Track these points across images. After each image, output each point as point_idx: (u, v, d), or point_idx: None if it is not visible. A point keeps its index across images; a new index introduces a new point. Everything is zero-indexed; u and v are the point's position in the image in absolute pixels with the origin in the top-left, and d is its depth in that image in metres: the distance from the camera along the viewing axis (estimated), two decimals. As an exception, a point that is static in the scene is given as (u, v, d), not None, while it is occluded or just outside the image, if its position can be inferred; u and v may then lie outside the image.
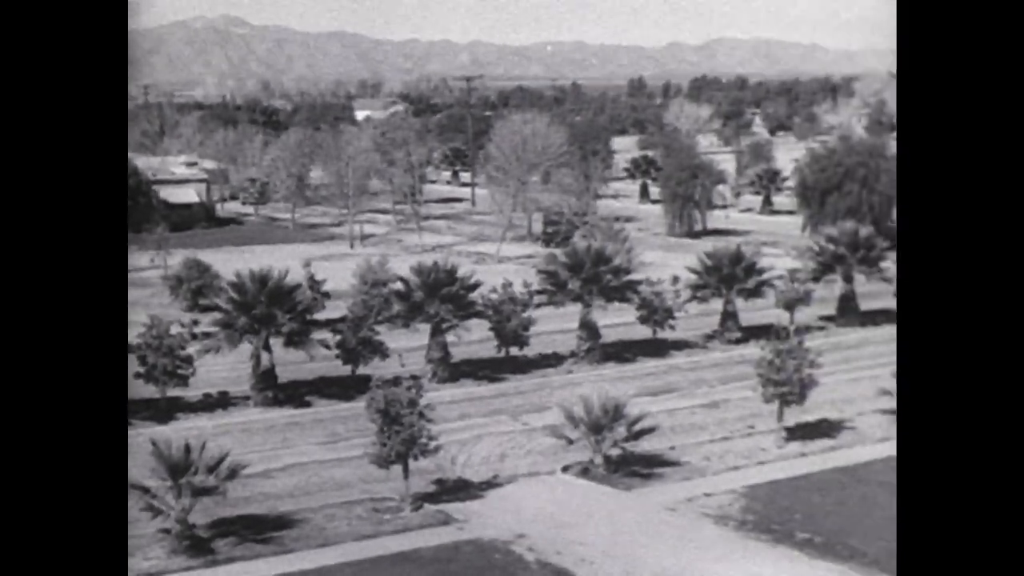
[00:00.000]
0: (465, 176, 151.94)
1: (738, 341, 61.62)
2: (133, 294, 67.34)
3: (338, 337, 54.42)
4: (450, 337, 55.30)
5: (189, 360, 50.50)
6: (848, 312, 66.96)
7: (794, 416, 45.63)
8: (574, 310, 59.54)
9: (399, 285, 56.82)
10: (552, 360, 59.29)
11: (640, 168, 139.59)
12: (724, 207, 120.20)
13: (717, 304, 63.48)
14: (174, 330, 51.60)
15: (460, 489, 40.44)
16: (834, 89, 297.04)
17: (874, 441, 44.41)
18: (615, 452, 41.43)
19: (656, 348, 61.21)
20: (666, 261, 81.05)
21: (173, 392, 50.92)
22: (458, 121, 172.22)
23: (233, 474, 35.73)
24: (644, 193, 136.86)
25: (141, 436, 38.53)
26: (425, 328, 55.33)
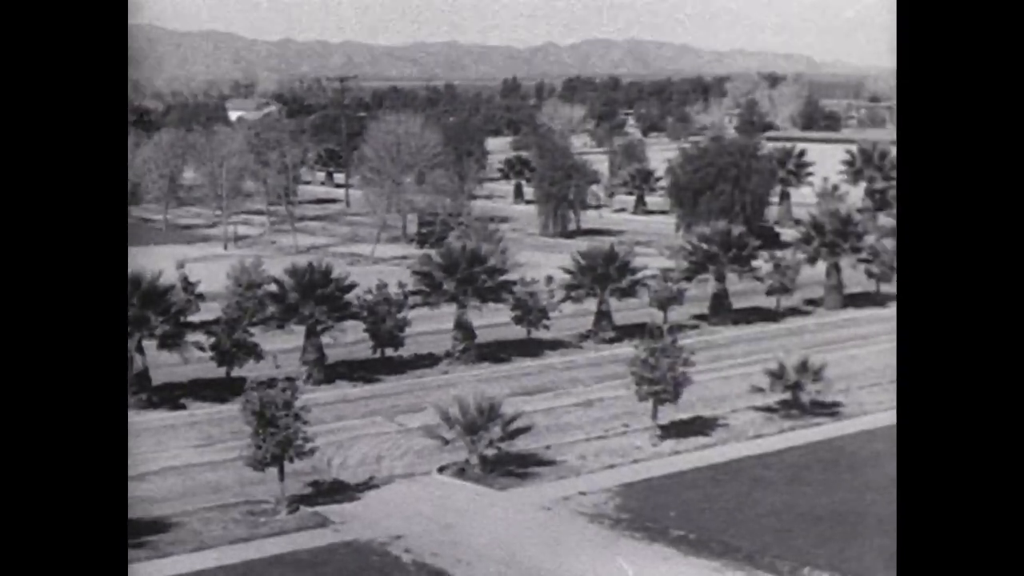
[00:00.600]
0: (339, 177, 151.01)
1: (612, 340, 62.06)
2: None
3: (212, 339, 53.84)
4: (325, 339, 55.02)
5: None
6: (720, 310, 67.79)
7: (668, 414, 46.11)
8: (449, 311, 59.55)
9: (273, 287, 56.39)
10: (427, 361, 59.24)
11: (514, 169, 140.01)
12: (598, 207, 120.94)
13: (591, 304, 63.88)
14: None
15: (336, 491, 40.24)
16: (706, 90, 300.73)
17: (747, 438, 45.04)
18: (491, 452, 41.51)
19: (531, 348, 61.44)
20: (540, 261, 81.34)
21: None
22: (332, 122, 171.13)
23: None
24: (518, 193, 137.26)
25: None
26: (300, 330, 54.98)
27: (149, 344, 51.06)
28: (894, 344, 52.53)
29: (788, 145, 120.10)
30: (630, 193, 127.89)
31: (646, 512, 37.39)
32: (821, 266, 72.60)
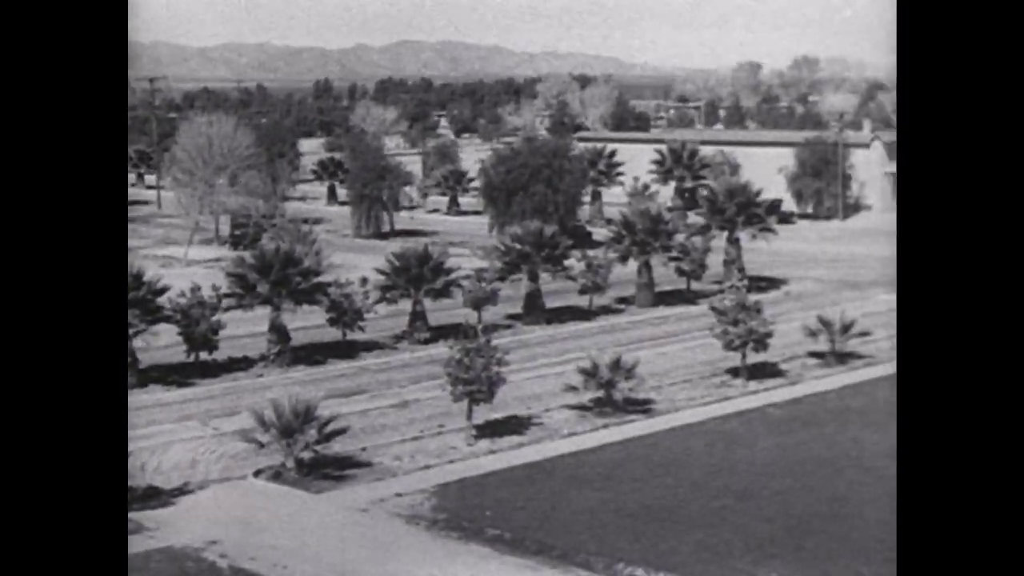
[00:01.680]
0: (150, 179, 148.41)
1: (427, 341, 62.17)
2: None
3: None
4: (138, 342, 54.04)
5: None
6: (534, 310, 68.39)
7: (483, 414, 46.38)
8: (263, 313, 59.01)
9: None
10: (242, 364, 58.62)
11: (327, 170, 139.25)
12: (411, 208, 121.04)
13: (406, 305, 63.90)
14: None
15: (150, 496, 39.58)
16: (517, 91, 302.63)
17: (561, 436, 45.52)
18: (307, 455, 41.27)
19: (346, 350, 61.22)
20: (355, 263, 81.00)
21: None
22: (142, 123, 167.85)
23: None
24: (332, 195, 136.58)
25: None
26: (109, 335, 53.85)
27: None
28: (705, 340, 53.75)
29: (599, 145, 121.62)
30: (443, 194, 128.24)
31: (462, 512, 37.56)
32: (632, 264, 73.72)
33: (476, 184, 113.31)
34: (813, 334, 56.30)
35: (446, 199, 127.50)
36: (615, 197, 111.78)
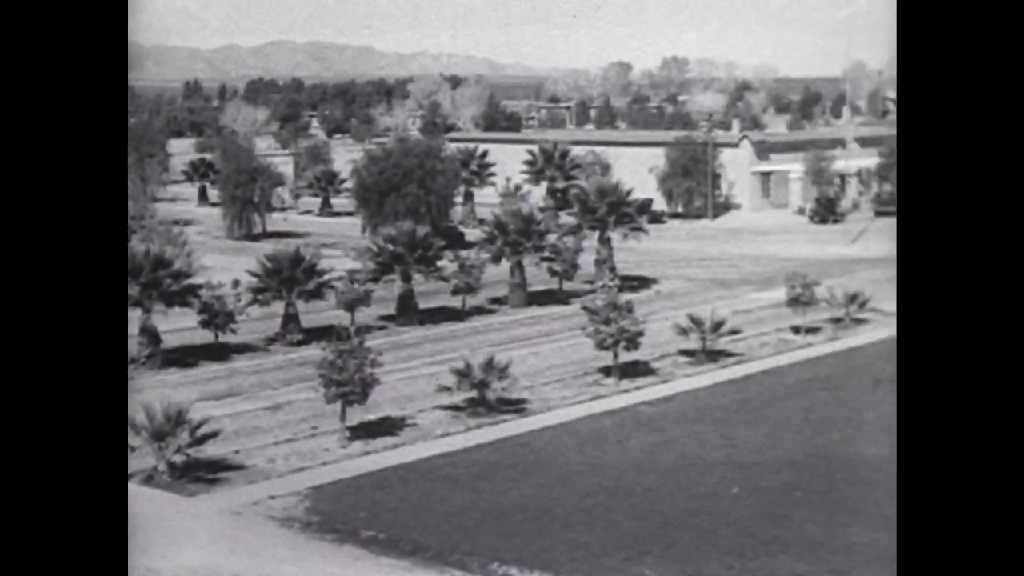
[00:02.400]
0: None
1: (300, 343, 61.84)
2: None
3: None
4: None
5: None
6: (407, 311, 68.34)
7: (356, 415, 46.29)
8: (134, 316, 58.22)
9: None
10: (111, 368, 57.76)
11: (198, 171, 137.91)
12: (283, 209, 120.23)
13: (278, 307, 63.52)
14: None
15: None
16: (389, 92, 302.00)
17: (435, 437, 45.58)
18: (179, 458, 40.86)
19: (218, 352, 60.66)
20: (226, 264, 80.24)
21: None
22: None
23: None
24: (203, 196, 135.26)
25: None
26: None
27: None
28: (578, 340, 54.13)
29: (471, 146, 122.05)
30: (316, 195, 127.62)
31: (336, 514, 37.47)
32: (505, 265, 74.03)
33: (348, 185, 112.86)
34: (684, 332, 57.00)
35: (318, 200, 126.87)
36: (487, 198, 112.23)
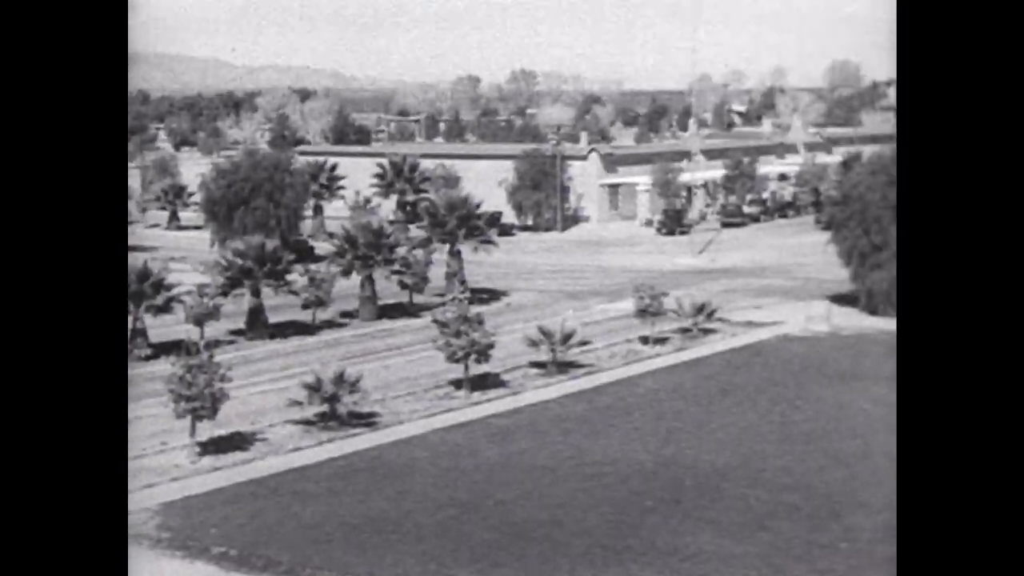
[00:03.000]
0: None
1: (148, 358, 60.99)
2: None
3: None
4: None
5: None
6: (257, 325, 67.83)
7: (206, 430, 45.83)
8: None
9: None
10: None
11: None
12: (130, 223, 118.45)
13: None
14: None
15: None
16: (237, 104, 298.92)
17: (286, 451, 45.31)
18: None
19: (63, 369, 59.47)
20: (71, 280, 78.67)
21: None
22: None
23: None
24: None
25: None
26: None
27: None
28: (428, 353, 54.08)
29: (320, 159, 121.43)
30: (163, 208, 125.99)
31: (187, 530, 37.06)
32: (355, 278, 73.88)
33: (197, 198, 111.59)
34: (534, 344, 57.44)
35: (166, 214, 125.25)
36: (337, 211, 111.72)
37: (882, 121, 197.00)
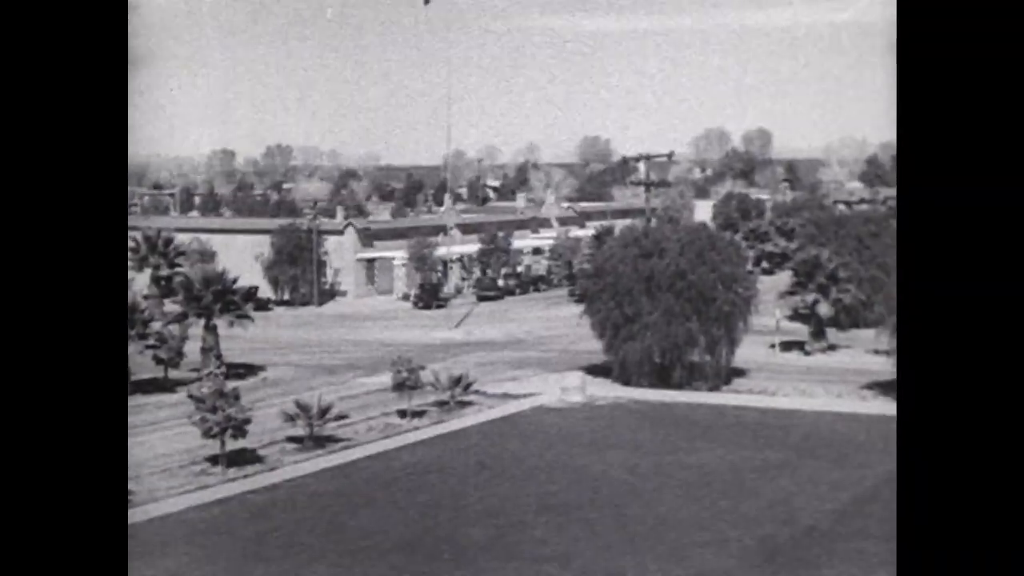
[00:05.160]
0: None
1: None
2: None
3: None
4: None
5: None
6: None
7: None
8: None
9: None
10: None
11: None
12: None
13: None
14: None
15: None
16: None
17: None
18: None
19: None
20: None
21: None
22: None
23: None
24: None
25: None
26: None
27: None
28: (184, 428, 52.92)
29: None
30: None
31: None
32: (107, 355, 72.24)
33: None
34: (291, 419, 57.09)
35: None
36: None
37: (632, 195, 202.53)
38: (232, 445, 52.97)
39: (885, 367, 66.94)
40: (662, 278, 70.66)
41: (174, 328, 75.93)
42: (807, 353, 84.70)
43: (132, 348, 72.08)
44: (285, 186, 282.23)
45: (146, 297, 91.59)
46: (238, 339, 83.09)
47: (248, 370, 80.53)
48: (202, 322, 77.35)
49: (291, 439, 57.82)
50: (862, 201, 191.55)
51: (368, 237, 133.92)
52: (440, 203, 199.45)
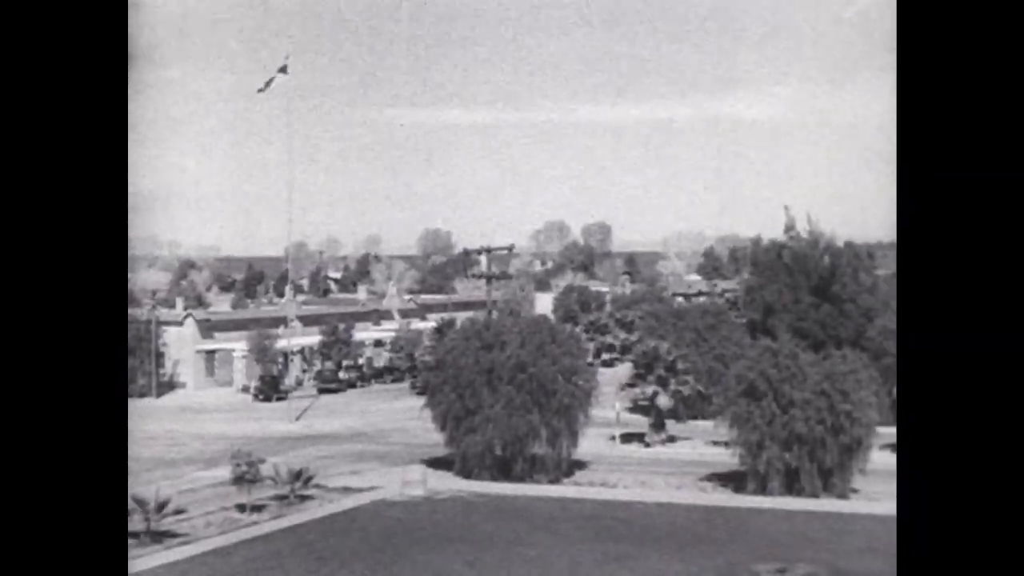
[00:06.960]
0: None
1: None
2: None
3: None
4: None
5: None
6: None
7: None
8: None
9: None
10: None
11: None
12: None
13: None
14: None
15: None
16: None
17: None
18: None
19: None
20: None
21: None
22: None
23: None
24: None
25: None
26: None
27: None
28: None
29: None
30: None
31: None
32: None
33: None
34: (128, 514, 56.00)
35: None
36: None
37: (474, 288, 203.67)
38: (66, 542, 51.77)
39: (724, 458, 68.04)
40: (503, 370, 71.09)
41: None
42: (647, 445, 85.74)
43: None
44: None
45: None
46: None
47: (83, 464, 78.85)
48: (35, 415, 75.88)
49: (128, 534, 56.69)
50: (700, 293, 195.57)
51: (208, 328, 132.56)
52: (281, 294, 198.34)
